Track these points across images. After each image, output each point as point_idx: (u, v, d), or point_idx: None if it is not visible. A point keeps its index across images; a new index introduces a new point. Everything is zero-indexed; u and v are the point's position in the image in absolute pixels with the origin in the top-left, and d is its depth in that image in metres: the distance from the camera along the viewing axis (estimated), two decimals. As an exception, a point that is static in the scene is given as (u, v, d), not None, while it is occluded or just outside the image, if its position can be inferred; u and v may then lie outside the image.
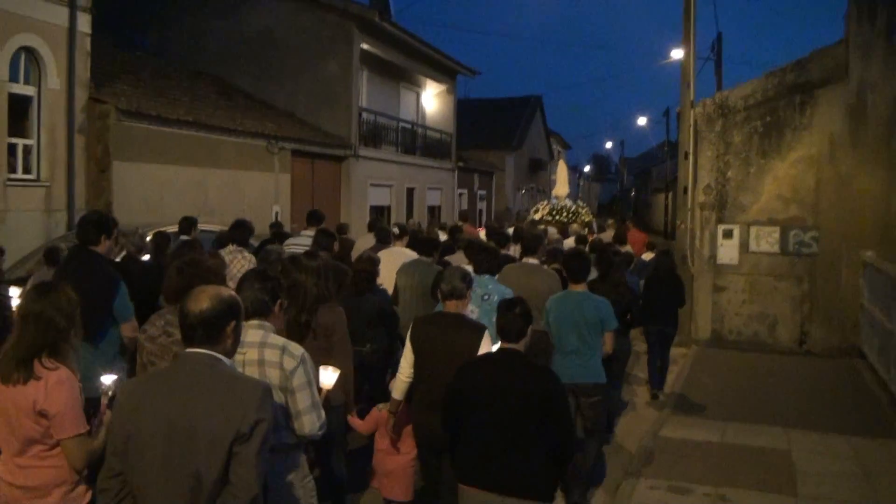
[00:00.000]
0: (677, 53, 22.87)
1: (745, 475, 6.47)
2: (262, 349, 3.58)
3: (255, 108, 18.31)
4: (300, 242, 8.81)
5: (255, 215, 15.15)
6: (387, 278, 7.66)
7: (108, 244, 5.20)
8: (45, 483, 3.24)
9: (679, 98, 12.94)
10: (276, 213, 16.38)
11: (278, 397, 3.51)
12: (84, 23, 12.17)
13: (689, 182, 12.51)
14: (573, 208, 23.20)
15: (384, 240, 9.47)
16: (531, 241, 7.50)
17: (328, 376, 4.05)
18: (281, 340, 3.64)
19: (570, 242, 12.43)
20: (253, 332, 3.60)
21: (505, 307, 4.13)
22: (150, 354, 4.00)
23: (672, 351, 10.80)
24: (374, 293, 6.65)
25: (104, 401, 3.42)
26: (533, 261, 7.25)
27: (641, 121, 45.85)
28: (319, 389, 3.85)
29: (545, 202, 24.66)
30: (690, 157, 12.37)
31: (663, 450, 7.12)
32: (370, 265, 6.62)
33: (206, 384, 2.71)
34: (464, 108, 37.57)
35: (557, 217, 21.64)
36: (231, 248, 7.79)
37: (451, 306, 4.71)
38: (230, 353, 2.88)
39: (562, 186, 24.02)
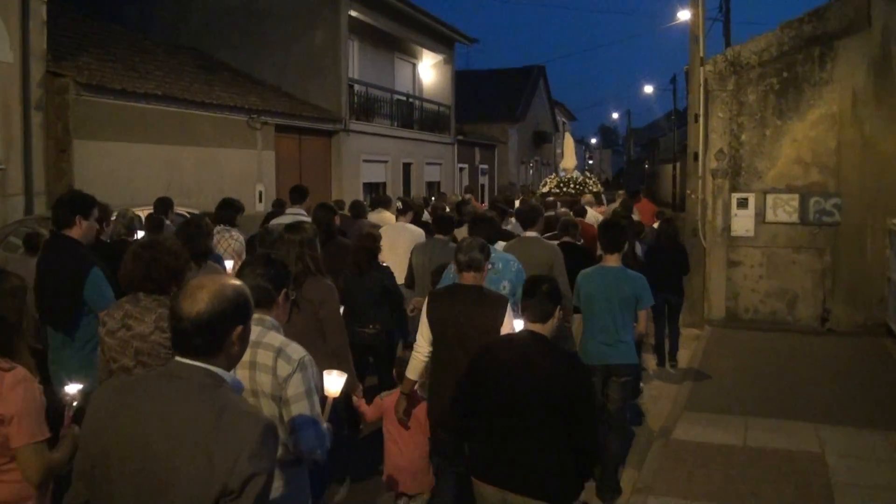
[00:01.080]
0: (684, 15, 21.86)
1: (773, 489, 5.52)
2: (255, 349, 3.02)
3: (239, 82, 17.33)
4: (285, 221, 8.15)
5: (236, 194, 14.22)
6: (390, 255, 7.37)
7: (85, 226, 4.74)
8: (4, 500, 2.93)
9: (687, 57, 11.87)
10: (260, 193, 15.49)
11: (269, 408, 3.02)
12: (38, -10, 11.17)
13: (699, 147, 11.50)
14: (580, 179, 22.93)
15: (358, 215, 9.12)
16: (528, 213, 7.10)
17: (334, 382, 3.47)
18: (278, 340, 3.09)
19: (594, 214, 12.32)
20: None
21: (531, 285, 3.81)
22: (110, 350, 3.53)
23: (684, 332, 10.12)
24: (377, 270, 6.38)
25: (68, 413, 3.09)
26: (532, 234, 6.86)
27: (648, 89, 44.60)
28: (325, 399, 3.31)
29: (553, 175, 24.56)
30: (701, 120, 11.34)
31: (678, 457, 6.16)
32: (371, 241, 6.39)
33: (192, 414, 2.06)
34: (464, 80, 36.57)
35: (565, 189, 21.34)
36: (219, 227, 7.36)
37: (469, 278, 4.44)
38: (233, 364, 2.27)
39: (569, 159, 23.67)
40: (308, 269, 4.55)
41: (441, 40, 25.18)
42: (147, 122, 12.56)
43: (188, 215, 8.51)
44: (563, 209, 12.27)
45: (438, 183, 25.68)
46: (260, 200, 15.37)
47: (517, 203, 13.21)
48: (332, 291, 4.65)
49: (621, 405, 5.63)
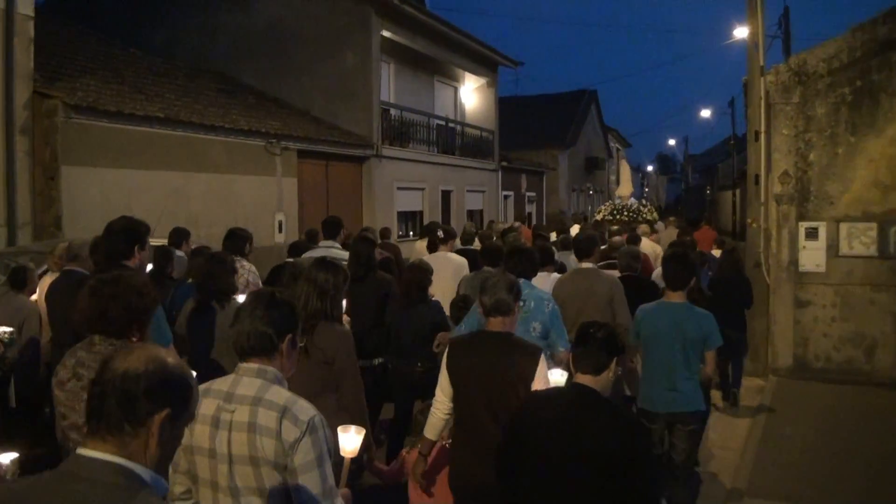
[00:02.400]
0: (741, 32, 20.41)
1: None
2: (255, 408, 2.60)
3: (263, 106, 16.36)
4: (316, 256, 7.39)
5: (252, 225, 13.22)
6: (434, 287, 6.79)
7: (141, 256, 4.59)
8: None
9: (746, 68, 10.44)
10: (280, 223, 14.40)
11: (272, 478, 2.58)
12: (25, 4, 10.29)
13: (761, 169, 10.03)
14: (634, 207, 22.70)
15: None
16: (584, 243, 6.74)
17: (351, 440, 3.16)
18: (283, 397, 2.63)
19: (647, 244, 11.54)
20: (248, 382, 2.69)
21: (584, 331, 3.38)
22: (60, 405, 3.22)
23: (746, 382, 8.89)
24: (425, 304, 6.08)
25: None
26: (588, 265, 6.54)
27: (705, 113, 42.69)
28: (340, 461, 3.02)
29: (608, 203, 24.44)
30: (762, 138, 9.88)
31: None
32: (420, 274, 6.09)
33: None
34: (512, 106, 35.63)
35: (618, 217, 21.11)
36: None
37: (496, 324, 3.91)
38: (151, 462, 1.80)
39: (625, 186, 23.77)
40: (324, 312, 4.12)
41: (483, 63, 24.02)
42: (149, 146, 11.57)
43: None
44: (616, 238, 11.38)
45: (481, 211, 24.42)
46: (280, 230, 14.30)
47: (573, 231, 13.59)
48: (348, 339, 4.18)
49: (688, 455, 5.14)
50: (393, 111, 19.36)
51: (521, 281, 4.83)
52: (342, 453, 3.07)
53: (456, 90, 24.84)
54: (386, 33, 18.00)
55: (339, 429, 3.11)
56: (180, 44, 18.46)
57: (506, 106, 34.75)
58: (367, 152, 17.28)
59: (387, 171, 18.12)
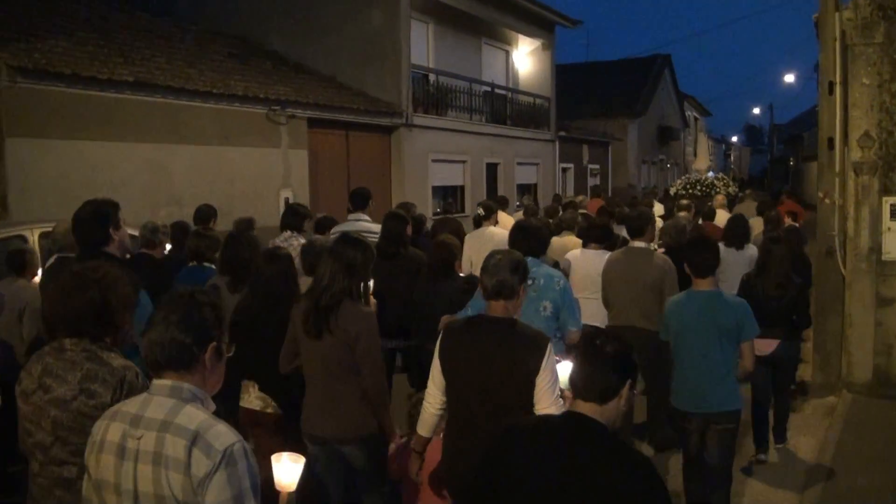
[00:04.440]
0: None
1: None
2: (162, 434, 2.19)
3: (279, 72, 14.87)
4: (348, 229, 7.14)
5: (252, 203, 11.79)
6: (476, 265, 6.68)
7: (118, 237, 4.37)
8: None
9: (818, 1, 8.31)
10: (286, 200, 12.87)
11: None
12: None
13: (835, 131, 7.96)
14: (709, 181, 21.68)
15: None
16: (636, 220, 6.39)
17: (287, 471, 2.76)
18: (197, 420, 2.21)
19: (722, 217, 10.95)
20: (159, 402, 2.28)
21: (588, 344, 2.62)
22: (24, 419, 2.83)
23: (813, 402, 7.44)
24: (454, 280, 5.84)
25: None
26: (640, 244, 6.22)
27: (789, 78, 39.36)
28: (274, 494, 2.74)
29: (686, 176, 23.54)
30: (837, 90, 7.81)
31: None
32: (446, 251, 5.94)
33: None
34: (578, 73, 33.51)
35: (692, 192, 20.08)
36: (286, 234, 7.20)
37: (498, 308, 3.45)
38: None
39: (701, 159, 23.21)
40: (349, 291, 3.95)
41: (537, 23, 21.96)
42: (118, 115, 10.17)
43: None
44: (682, 213, 10.80)
45: (535, 185, 22.54)
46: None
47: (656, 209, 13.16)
48: (372, 321, 3.99)
49: (723, 457, 4.77)
50: (431, 77, 17.66)
51: (529, 259, 4.37)
52: (278, 487, 2.80)
53: (508, 54, 22.88)
54: (419, -12, 16.26)
55: (273, 459, 2.80)
56: (204, 8, 17.16)
57: (571, 73, 32.76)
58: (396, 121, 15.60)
59: (420, 141, 16.43)
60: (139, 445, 2.23)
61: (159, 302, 2.45)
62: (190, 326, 2.33)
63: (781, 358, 6.18)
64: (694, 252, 4.87)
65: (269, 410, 4.41)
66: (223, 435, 2.21)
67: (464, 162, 18.50)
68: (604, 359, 2.55)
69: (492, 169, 19.93)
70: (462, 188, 18.57)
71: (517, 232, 5.14)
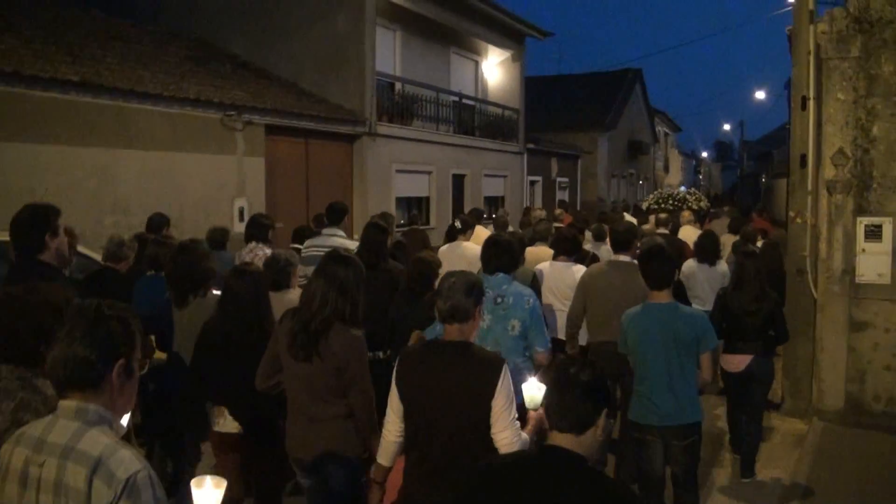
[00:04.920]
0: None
1: None
2: (63, 461, 2.06)
3: (238, 75, 14.38)
4: (322, 244, 7.35)
5: (204, 212, 11.27)
6: None
7: (55, 244, 4.16)
8: None
9: (792, 14, 8.02)
10: (241, 209, 12.38)
11: None
12: None
13: (808, 147, 7.66)
14: (681, 195, 21.91)
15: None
16: (623, 234, 6.32)
17: (207, 497, 2.44)
18: (100, 446, 2.07)
19: (692, 232, 11.30)
20: (62, 426, 2.15)
21: (561, 373, 2.54)
22: None
23: (780, 424, 7.18)
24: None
25: None
26: (624, 258, 6.14)
27: (760, 95, 39.41)
28: None
29: (658, 191, 23.77)
30: (810, 105, 7.51)
31: None
32: (424, 266, 5.89)
33: None
34: (549, 86, 33.32)
35: (663, 206, 20.20)
36: (251, 245, 7.33)
37: (453, 332, 3.44)
38: None
39: (674, 174, 23.80)
40: (342, 314, 3.74)
41: (507, 34, 21.63)
42: (60, 117, 9.62)
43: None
44: (645, 226, 11.17)
45: (502, 198, 22.17)
46: (241, 218, 12.27)
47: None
48: (362, 346, 3.80)
49: (689, 469, 4.75)
50: (397, 85, 17.25)
51: (500, 276, 4.79)
52: None
53: (477, 64, 22.53)
54: (384, -6, 15.83)
55: (193, 483, 2.51)
56: (165, 9, 16.63)
57: (542, 85, 32.50)
58: (359, 129, 15.14)
59: (383, 151, 15.98)
60: (41, 473, 2.10)
61: None
62: (95, 342, 2.17)
63: (754, 374, 6.13)
64: (648, 263, 4.77)
65: (243, 433, 4.31)
66: (126, 461, 2.08)
67: (429, 173, 18.08)
68: (578, 388, 2.47)
69: (458, 180, 19.54)
70: (427, 199, 18.14)
71: (489, 247, 5.04)
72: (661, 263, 4.73)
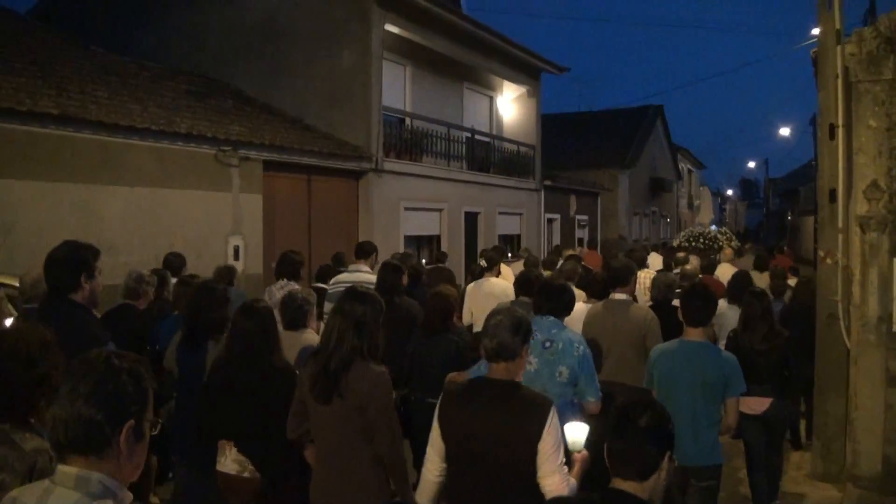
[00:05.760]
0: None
1: None
2: None
3: (240, 110, 13.91)
4: (347, 280, 7.42)
5: (196, 251, 10.68)
6: (477, 318, 7.70)
7: (90, 287, 4.14)
8: None
9: (818, 35, 7.34)
10: (237, 248, 11.81)
11: None
12: None
13: (838, 180, 6.94)
14: (712, 234, 21.62)
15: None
16: (619, 270, 6.26)
17: None
18: None
19: (729, 270, 11.20)
20: (60, 495, 1.91)
21: (620, 417, 2.51)
22: None
23: (811, 490, 6.58)
24: (451, 332, 5.73)
25: None
26: (621, 296, 6.07)
27: (784, 131, 38.61)
28: None
29: (690, 229, 23.76)
30: (839, 134, 6.79)
31: None
32: (442, 301, 5.77)
33: None
34: (569, 123, 32.88)
35: (695, 244, 20.12)
36: (281, 283, 7.28)
37: (499, 371, 3.32)
38: None
39: (705, 212, 23.69)
40: (360, 350, 3.66)
41: (523, 69, 21.14)
42: (40, 151, 9.14)
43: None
44: (688, 267, 10.85)
45: (518, 236, 21.50)
46: (236, 257, 11.70)
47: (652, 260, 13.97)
48: (385, 381, 3.69)
49: None
50: (407, 121, 16.74)
51: (551, 319, 4.75)
52: None
53: (492, 99, 22.04)
54: (393, 28, 15.36)
55: None
56: (169, 47, 16.35)
57: (561, 122, 32.01)
58: (364, 165, 14.59)
59: (391, 188, 15.41)
60: None
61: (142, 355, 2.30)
62: (102, 400, 1.94)
63: (774, 417, 6.03)
64: (688, 300, 4.77)
65: (246, 475, 4.09)
66: None
67: (440, 210, 17.47)
68: (640, 433, 2.43)
69: (471, 218, 18.91)
70: (438, 238, 17.50)
71: (543, 290, 5.03)
72: (698, 301, 4.72)
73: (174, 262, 8.22)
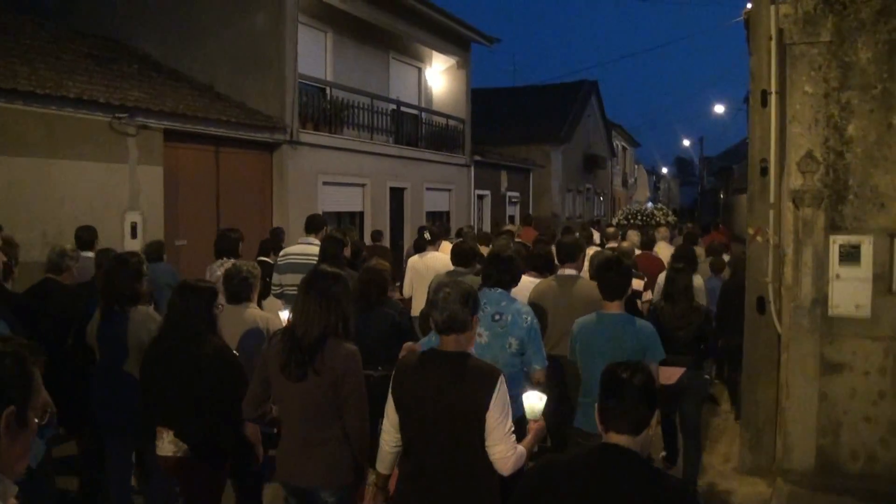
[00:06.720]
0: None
1: None
2: None
3: (143, 75, 12.89)
4: (301, 252, 7.63)
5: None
6: (418, 291, 8.35)
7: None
8: None
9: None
10: (134, 225, 10.86)
11: None
12: None
13: (770, 151, 6.41)
14: (649, 211, 22.08)
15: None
16: (568, 246, 6.38)
17: None
18: None
19: (667, 248, 11.35)
20: None
21: (611, 376, 2.66)
22: None
23: (738, 486, 6.19)
24: (386, 306, 5.75)
25: None
26: (570, 271, 6.22)
27: (719, 109, 38.66)
28: None
29: (628, 206, 24.82)
30: (772, 101, 6.25)
31: None
32: (376, 274, 5.78)
33: None
34: (500, 97, 32.30)
35: (633, 222, 20.24)
36: (220, 261, 7.33)
37: (449, 343, 3.43)
38: None
39: (641, 190, 23.91)
40: (333, 329, 3.68)
41: (452, 39, 20.39)
42: None
43: None
44: (625, 243, 10.43)
45: (447, 213, 20.84)
46: (133, 235, 10.77)
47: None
48: (358, 359, 3.74)
49: None
50: (328, 91, 15.88)
51: (499, 292, 4.85)
52: None
53: (420, 71, 21.26)
54: (309, -9, 14.46)
55: None
56: (74, 7, 15.09)
57: (494, 97, 31.42)
58: (278, 137, 13.71)
59: (308, 161, 14.56)
60: None
61: (70, 332, 3.06)
62: None
63: (686, 387, 6.01)
64: (603, 274, 4.93)
65: (180, 454, 4.18)
66: None
67: (363, 186, 16.68)
68: (635, 391, 2.59)
69: (397, 194, 18.17)
70: (361, 214, 16.72)
71: (491, 262, 5.07)
72: (615, 275, 4.85)
73: (84, 237, 7.75)
